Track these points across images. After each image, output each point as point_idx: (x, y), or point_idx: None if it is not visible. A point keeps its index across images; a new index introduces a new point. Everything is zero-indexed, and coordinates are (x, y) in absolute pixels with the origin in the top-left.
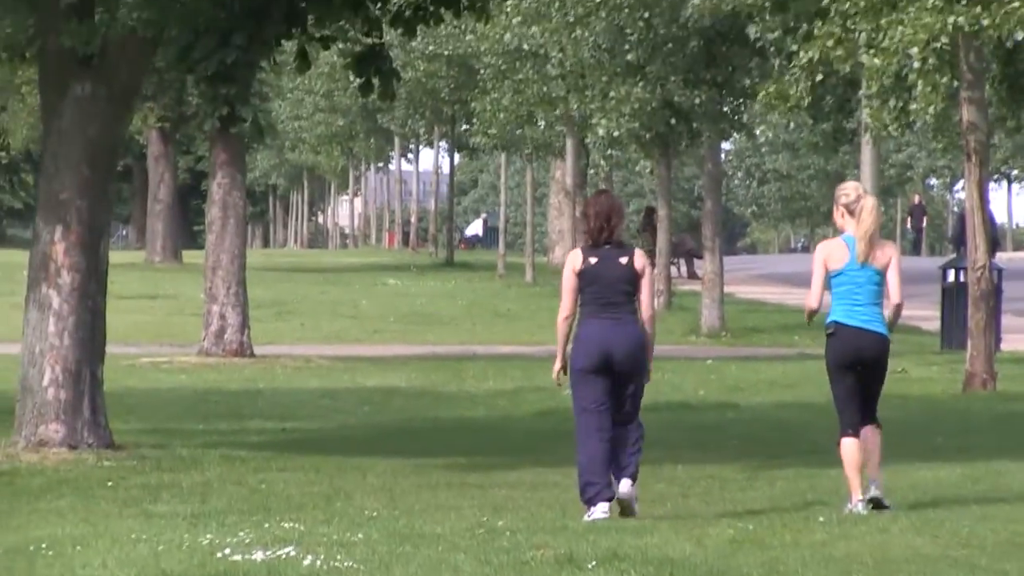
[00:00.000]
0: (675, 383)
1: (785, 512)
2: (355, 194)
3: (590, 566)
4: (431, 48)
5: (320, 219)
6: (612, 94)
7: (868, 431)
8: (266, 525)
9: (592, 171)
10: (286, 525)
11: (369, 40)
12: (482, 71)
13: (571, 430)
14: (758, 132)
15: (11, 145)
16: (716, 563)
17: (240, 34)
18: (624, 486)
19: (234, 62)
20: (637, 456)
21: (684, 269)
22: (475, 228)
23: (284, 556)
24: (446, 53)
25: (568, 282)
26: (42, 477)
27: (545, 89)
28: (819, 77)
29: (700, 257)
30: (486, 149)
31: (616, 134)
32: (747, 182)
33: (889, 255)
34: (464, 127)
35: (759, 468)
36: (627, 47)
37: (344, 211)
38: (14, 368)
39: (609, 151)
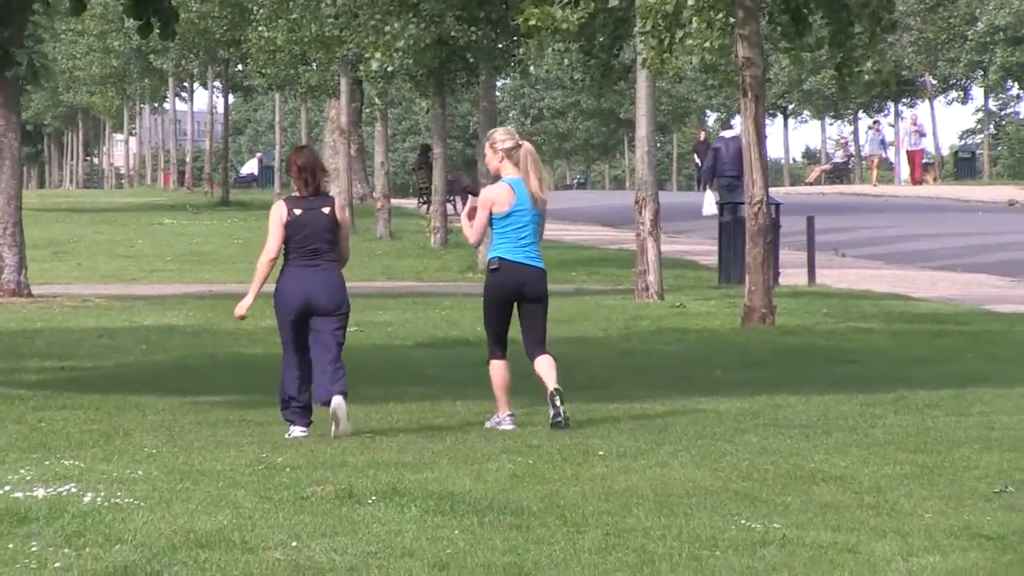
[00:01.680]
0: (453, 320)
1: (564, 447)
2: (130, 134)
3: (370, 501)
4: None
5: (96, 160)
6: (387, 29)
7: (545, 359)
8: (46, 463)
9: (367, 109)
10: (66, 463)
11: None
12: (256, 11)
13: (351, 365)
14: (532, 68)
15: None
16: (496, 497)
17: None
18: (337, 400)
19: (7, 5)
20: (343, 377)
21: (460, 207)
22: (250, 167)
23: (65, 493)
24: None
25: (275, 231)
26: None
27: (319, 29)
28: (588, 8)
29: (476, 194)
30: (261, 89)
31: (390, 69)
32: (521, 120)
33: (547, 197)
34: (239, 67)
35: (537, 404)
36: None
37: (120, 151)
38: None
39: (383, 87)
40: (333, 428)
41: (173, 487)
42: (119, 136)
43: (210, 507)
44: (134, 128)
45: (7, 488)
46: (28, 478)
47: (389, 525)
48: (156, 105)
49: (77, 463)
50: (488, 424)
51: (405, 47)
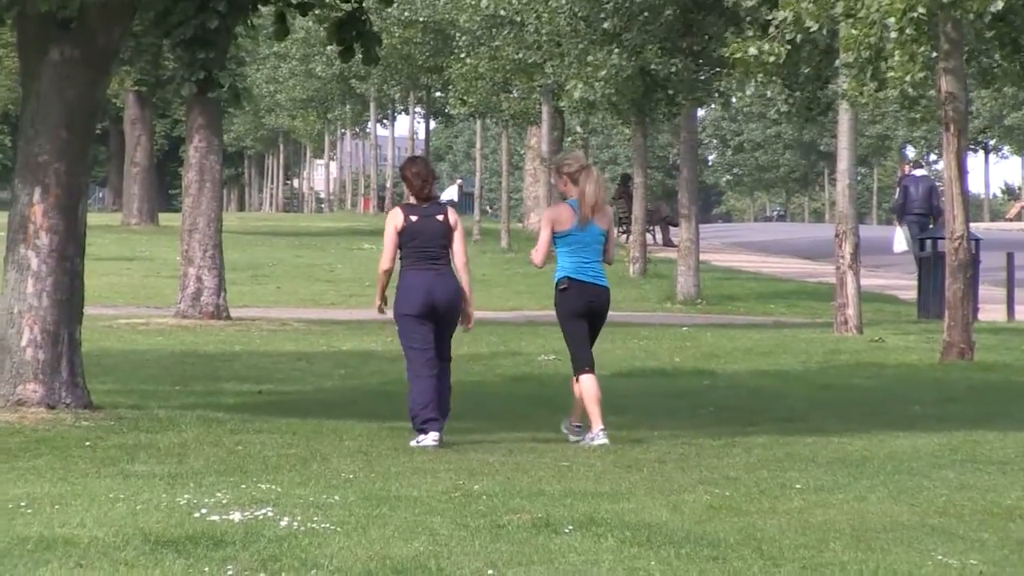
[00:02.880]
0: (650, 350)
1: (762, 479)
2: (331, 159)
3: (567, 530)
4: (407, 14)
5: (295, 183)
6: (589, 58)
7: (593, 383)
8: (243, 486)
9: (569, 138)
10: (263, 486)
11: (347, 6)
12: (458, 37)
13: (548, 394)
14: (734, 100)
15: None
16: (693, 529)
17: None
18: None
19: (212, 27)
20: (449, 396)
21: (659, 236)
22: (450, 194)
23: (261, 517)
24: (422, 19)
25: (390, 238)
26: (20, 436)
27: (521, 55)
28: (791, 35)
29: (675, 224)
30: (462, 115)
31: (592, 98)
32: (722, 151)
33: (609, 218)
34: (440, 93)
35: (735, 435)
36: (603, 15)
37: (320, 175)
38: None
39: (585, 116)
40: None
41: (370, 513)
42: (319, 160)
43: (406, 533)
44: (334, 152)
45: (204, 511)
46: (224, 501)
47: (585, 555)
48: (357, 130)
49: (274, 487)
50: (584, 441)
51: (607, 77)
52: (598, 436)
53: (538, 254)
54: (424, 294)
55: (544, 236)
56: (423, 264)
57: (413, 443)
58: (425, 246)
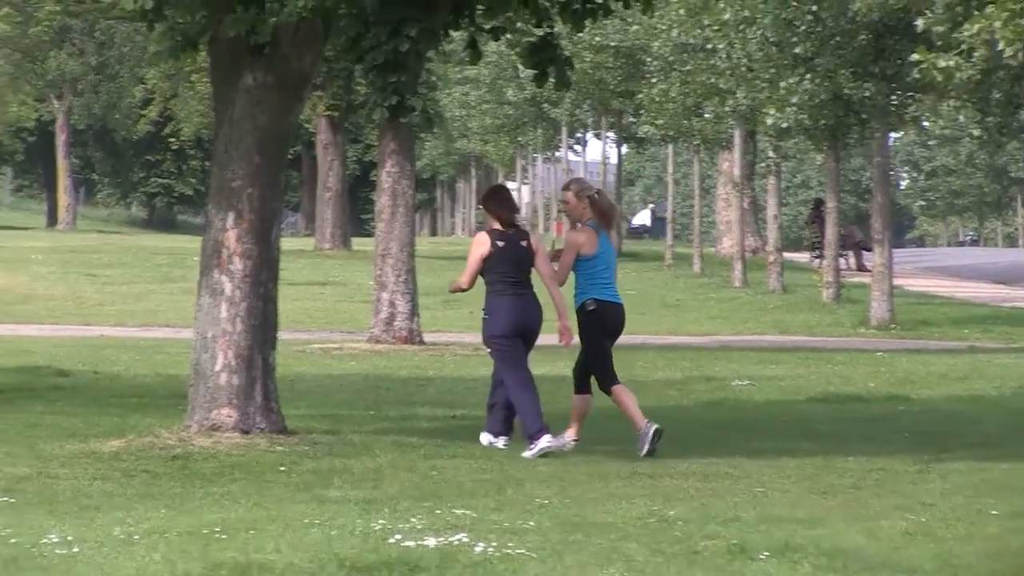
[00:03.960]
0: (845, 375)
1: (958, 505)
2: (523, 183)
3: (762, 556)
4: (598, 39)
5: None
6: (782, 84)
7: (627, 390)
8: (438, 512)
9: (762, 164)
10: (457, 512)
11: (540, 30)
12: (649, 62)
13: (742, 419)
14: (927, 124)
15: (182, 132)
16: (889, 555)
17: (410, 25)
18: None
19: (404, 52)
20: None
21: (853, 261)
22: (642, 218)
23: (456, 542)
24: (613, 44)
25: (472, 265)
26: (215, 461)
27: (713, 81)
28: (978, 53)
29: (869, 249)
30: (653, 140)
31: (785, 125)
32: (914, 176)
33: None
34: (631, 118)
35: (930, 461)
36: (795, 40)
37: None
38: (186, 353)
39: (778, 142)
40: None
41: (565, 539)
42: (512, 184)
43: (601, 560)
44: (526, 177)
45: (398, 536)
46: (419, 527)
47: None
48: (549, 154)
49: (468, 512)
50: (644, 446)
51: (800, 103)
52: (650, 429)
53: (562, 274)
54: (517, 315)
55: (568, 261)
56: (511, 290)
57: (529, 454)
58: (512, 271)
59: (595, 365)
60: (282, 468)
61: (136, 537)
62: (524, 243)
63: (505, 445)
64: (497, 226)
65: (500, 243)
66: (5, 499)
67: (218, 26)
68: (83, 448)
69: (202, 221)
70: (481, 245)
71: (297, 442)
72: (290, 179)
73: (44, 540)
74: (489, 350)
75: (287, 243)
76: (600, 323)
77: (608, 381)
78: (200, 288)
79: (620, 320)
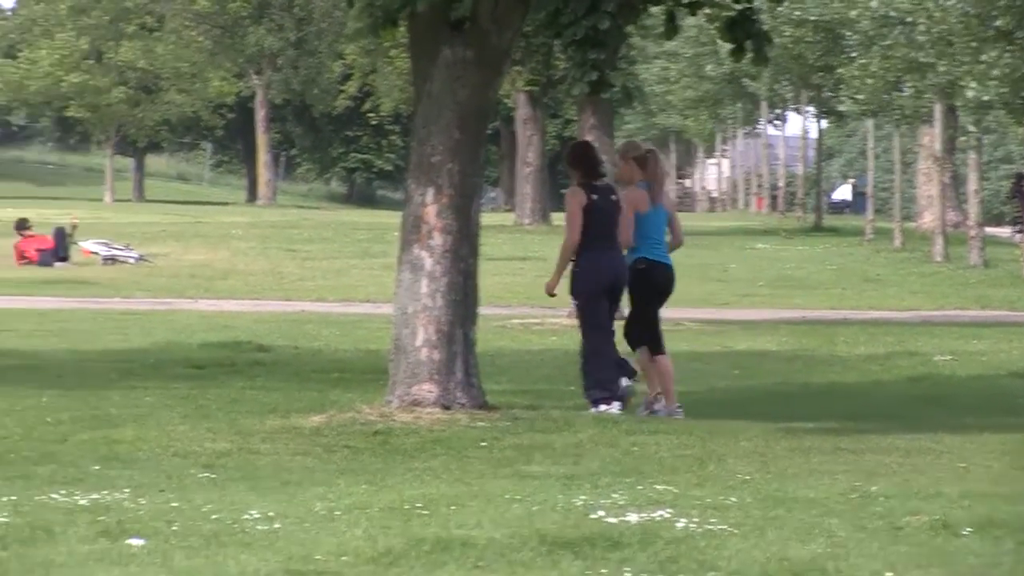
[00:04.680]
0: None
1: None
2: (722, 157)
3: (965, 532)
4: (797, 13)
5: (688, 182)
6: (982, 58)
7: (668, 362)
8: (639, 487)
9: (963, 138)
10: (659, 487)
11: (738, 5)
12: (849, 36)
13: (945, 394)
14: None
15: (381, 107)
16: None
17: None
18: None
19: (602, 28)
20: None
21: None
22: (843, 193)
23: (658, 518)
24: (812, 18)
25: (577, 217)
26: (416, 437)
27: (912, 54)
28: None
29: None
30: (853, 115)
31: (985, 98)
32: None
33: (672, 200)
34: (830, 93)
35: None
36: (995, 12)
37: (711, 175)
38: (386, 328)
39: (979, 116)
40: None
41: (766, 514)
42: (711, 159)
43: (803, 535)
44: (726, 151)
45: (600, 513)
46: (621, 503)
47: (984, 558)
48: (749, 129)
49: (670, 488)
50: (661, 410)
51: (1000, 76)
52: (676, 412)
53: (625, 234)
54: (610, 273)
55: (628, 221)
56: (604, 243)
57: (595, 410)
58: (605, 225)
59: (640, 323)
60: (483, 443)
61: (337, 513)
62: (614, 197)
63: (624, 392)
64: (581, 182)
65: (595, 196)
66: (206, 475)
67: (416, 1)
68: (284, 423)
69: (402, 196)
70: (578, 195)
71: (498, 417)
72: (489, 154)
73: (245, 516)
74: (575, 303)
75: (487, 218)
76: (649, 282)
77: (655, 347)
78: (400, 263)
79: (668, 281)
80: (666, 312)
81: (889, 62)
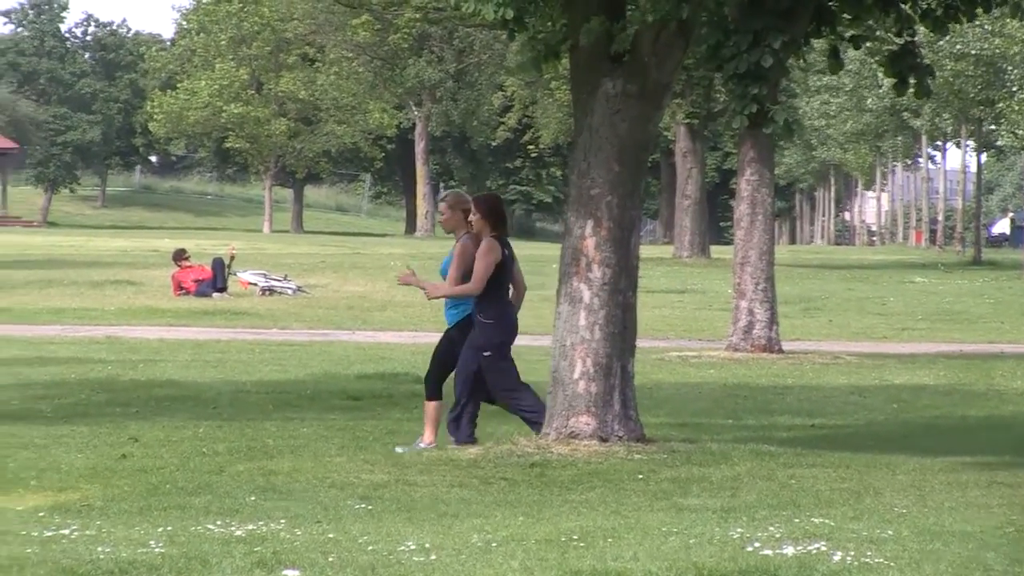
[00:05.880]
0: None
1: None
2: (882, 191)
3: None
4: (959, 47)
5: (847, 216)
6: None
7: None
8: (796, 520)
9: None
10: (815, 520)
11: (900, 39)
12: (1010, 71)
13: None
14: None
15: (541, 139)
16: None
17: (772, 34)
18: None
19: (764, 64)
20: None
21: None
22: (1002, 227)
23: (814, 551)
24: (973, 53)
25: (490, 269)
26: (573, 469)
27: None
28: None
29: None
30: (1013, 149)
31: None
32: None
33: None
34: (992, 127)
35: None
36: None
37: (871, 208)
38: (545, 360)
39: None
40: None
41: (923, 548)
42: (870, 193)
43: (960, 570)
44: (885, 185)
45: (756, 545)
46: (777, 535)
47: None
48: (908, 162)
49: (826, 521)
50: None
51: None
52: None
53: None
54: (515, 322)
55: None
56: (507, 297)
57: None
58: (507, 279)
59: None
60: (640, 476)
61: (494, 544)
62: (508, 251)
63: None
64: (493, 233)
65: (505, 251)
66: (363, 506)
67: (578, 35)
68: (441, 455)
69: (561, 228)
70: (495, 250)
71: (655, 450)
72: (649, 187)
73: (401, 547)
74: (486, 354)
75: (645, 251)
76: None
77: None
78: (559, 296)
79: None
80: (824, 345)
81: None
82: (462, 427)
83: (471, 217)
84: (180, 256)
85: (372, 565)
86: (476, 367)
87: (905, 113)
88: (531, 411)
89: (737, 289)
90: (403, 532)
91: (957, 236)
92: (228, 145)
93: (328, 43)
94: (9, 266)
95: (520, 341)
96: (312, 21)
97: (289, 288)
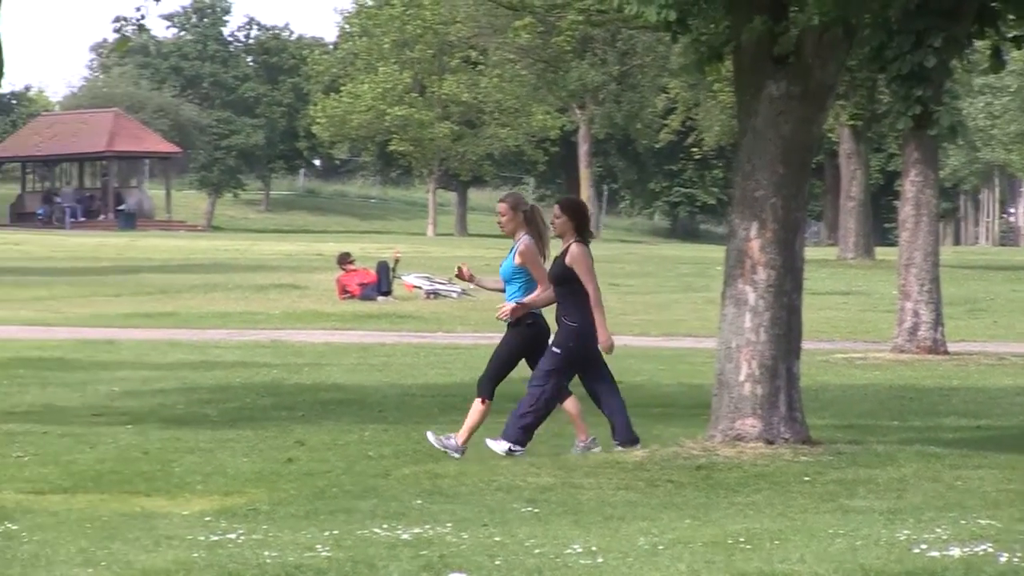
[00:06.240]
0: None
1: None
2: None
3: None
4: None
5: (1011, 218)
6: None
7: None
8: (962, 522)
9: None
10: (982, 522)
11: None
12: None
13: None
14: None
15: (704, 142)
16: None
17: (934, 34)
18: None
19: (929, 64)
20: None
21: None
22: None
23: (980, 553)
24: None
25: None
26: (738, 471)
27: None
28: None
29: None
30: None
31: None
32: None
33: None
34: None
35: None
36: None
37: None
38: (709, 363)
39: None
40: None
41: None
42: None
43: None
44: None
45: (923, 547)
46: (944, 537)
47: None
48: None
49: (993, 523)
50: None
51: None
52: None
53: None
54: (594, 335)
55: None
56: (587, 302)
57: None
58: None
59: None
60: (806, 478)
61: (660, 547)
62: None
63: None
64: (580, 238)
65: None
66: (529, 509)
67: (740, 37)
68: (607, 458)
69: (725, 231)
70: (590, 257)
71: (821, 452)
72: (813, 188)
73: (568, 550)
74: (557, 351)
75: (810, 253)
76: (537, 338)
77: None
78: (724, 298)
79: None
80: (990, 347)
81: None
82: (620, 429)
83: (554, 220)
84: (344, 260)
85: (538, 568)
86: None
87: None
88: (533, 411)
89: (902, 291)
90: (569, 535)
91: None
92: (391, 148)
93: (491, 46)
94: (174, 270)
95: (684, 343)
96: (475, 24)
97: (454, 291)
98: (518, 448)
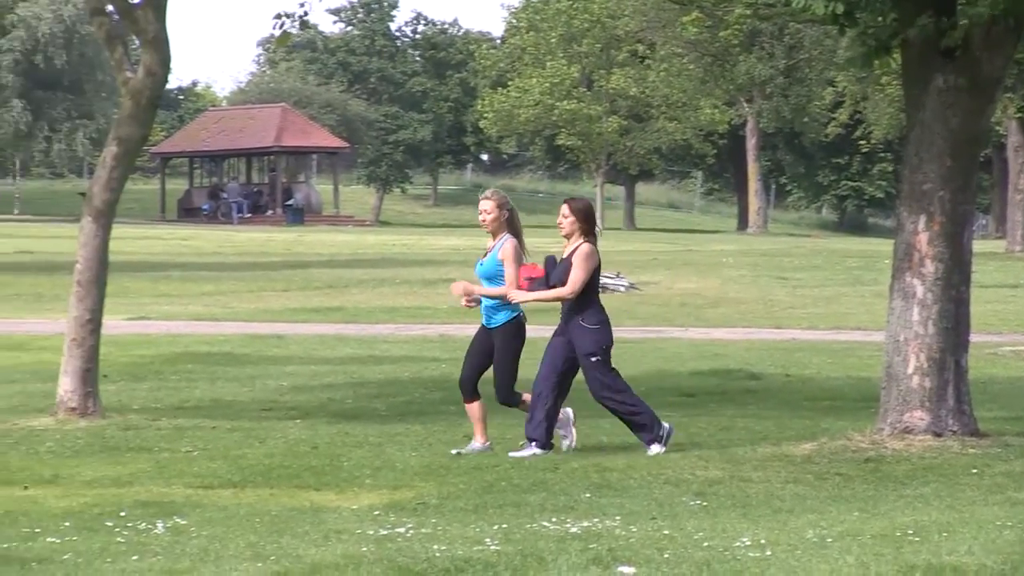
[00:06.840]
0: None
1: None
2: None
3: None
4: None
5: None
6: None
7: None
8: None
9: None
10: None
11: None
12: None
13: None
14: None
15: (873, 135)
16: None
17: None
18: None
19: None
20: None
21: None
22: None
23: None
24: None
25: (588, 276)
26: (907, 464)
27: None
28: None
29: None
30: None
31: None
32: None
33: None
34: None
35: None
36: None
37: None
38: (878, 356)
39: None
40: None
41: None
42: None
43: None
44: None
45: None
46: None
47: None
48: None
49: None
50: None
51: None
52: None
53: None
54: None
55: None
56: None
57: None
58: (598, 284)
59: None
60: (974, 471)
61: (829, 540)
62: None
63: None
64: (588, 238)
65: (598, 256)
66: (698, 502)
67: (908, 29)
68: (775, 451)
69: (892, 224)
70: (594, 257)
71: (990, 444)
72: (981, 181)
73: (737, 543)
74: (595, 359)
75: (978, 245)
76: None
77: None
78: (892, 291)
79: None
80: None
81: None
82: (535, 425)
83: (562, 220)
84: None
85: (707, 561)
86: (564, 368)
87: None
88: (637, 412)
89: None
90: (738, 528)
91: None
92: (560, 143)
93: (658, 40)
94: (342, 265)
95: (852, 336)
96: (642, 18)
97: (621, 285)
98: (660, 448)
